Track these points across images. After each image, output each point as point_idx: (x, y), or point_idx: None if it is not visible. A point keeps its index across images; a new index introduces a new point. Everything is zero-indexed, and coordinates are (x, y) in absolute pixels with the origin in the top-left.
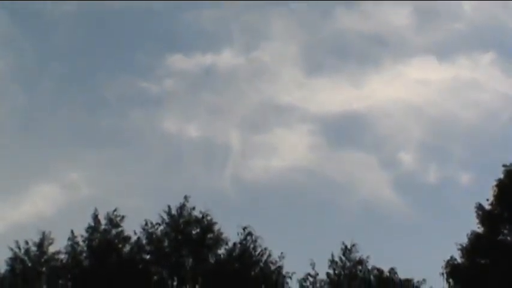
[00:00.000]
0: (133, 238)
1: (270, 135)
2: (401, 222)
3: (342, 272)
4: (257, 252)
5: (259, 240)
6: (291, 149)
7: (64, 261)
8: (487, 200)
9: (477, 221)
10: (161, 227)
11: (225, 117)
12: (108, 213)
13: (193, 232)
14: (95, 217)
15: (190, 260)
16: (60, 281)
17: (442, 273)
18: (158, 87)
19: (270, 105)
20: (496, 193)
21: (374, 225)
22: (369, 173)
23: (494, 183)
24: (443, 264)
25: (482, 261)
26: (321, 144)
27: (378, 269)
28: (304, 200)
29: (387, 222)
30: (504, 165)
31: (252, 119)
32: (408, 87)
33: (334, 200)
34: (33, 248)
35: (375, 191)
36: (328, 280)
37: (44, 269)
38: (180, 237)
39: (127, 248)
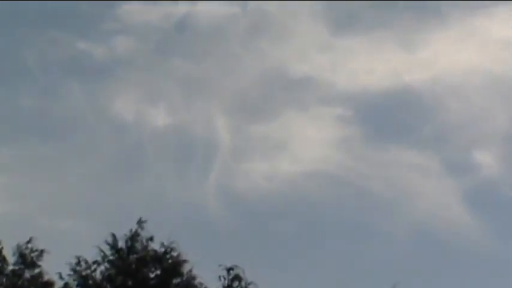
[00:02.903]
0: (59, 284)
1: (277, 125)
2: (477, 255)
3: None
4: None
5: None
6: (307, 145)
7: None
8: None
9: None
10: (101, 267)
11: (207, 97)
12: (19, 246)
13: (151, 275)
14: None
15: None
16: None
17: None
18: (105, 50)
19: (276, 78)
20: None
21: (433, 257)
22: (427, 182)
23: None
24: None
25: None
26: (354, 138)
27: None
28: (327, 222)
29: (455, 254)
30: None
31: (249, 99)
32: (488, 50)
33: (374, 221)
34: None
35: (437, 209)
36: None
37: None
38: (130, 282)
39: None
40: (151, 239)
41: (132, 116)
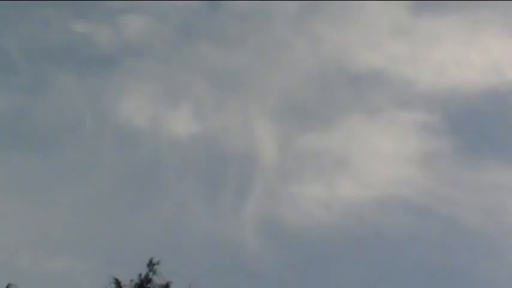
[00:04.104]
0: None
1: (337, 134)
2: None
3: None
4: None
5: None
6: (378, 162)
7: None
8: None
9: None
10: None
11: (245, 96)
12: None
13: None
14: None
15: None
16: None
17: None
18: (111, 34)
19: (337, 72)
20: None
21: None
22: None
23: None
24: None
25: None
26: (442, 153)
27: None
28: (406, 263)
29: None
30: None
31: (300, 100)
32: None
33: (467, 264)
34: None
35: None
36: None
37: None
38: None
39: None
40: (167, 286)
41: (146, 120)
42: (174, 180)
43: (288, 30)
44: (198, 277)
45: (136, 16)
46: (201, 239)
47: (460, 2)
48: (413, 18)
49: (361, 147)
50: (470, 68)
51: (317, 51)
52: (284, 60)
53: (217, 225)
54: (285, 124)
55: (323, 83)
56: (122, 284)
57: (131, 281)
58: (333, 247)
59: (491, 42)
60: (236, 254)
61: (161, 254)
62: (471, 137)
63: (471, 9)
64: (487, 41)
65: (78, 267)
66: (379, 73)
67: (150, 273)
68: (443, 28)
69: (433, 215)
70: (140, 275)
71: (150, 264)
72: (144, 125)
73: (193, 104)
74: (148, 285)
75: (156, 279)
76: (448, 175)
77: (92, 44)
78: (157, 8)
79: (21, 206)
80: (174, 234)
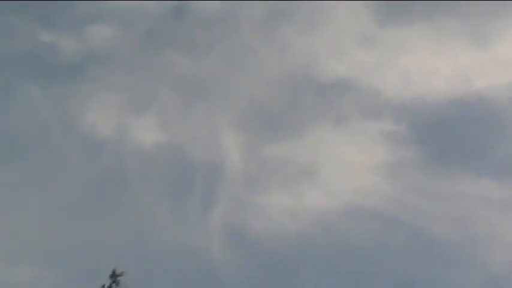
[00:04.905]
0: None
1: (303, 143)
2: None
3: None
4: None
5: None
6: (345, 172)
7: None
8: None
9: None
10: None
11: (211, 104)
12: None
13: None
14: None
15: None
16: None
17: None
18: (77, 42)
19: (303, 80)
20: None
21: None
22: (507, 221)
23: None
24: None
25: None
26: (408, 162)
27: None
28: (372, 274)
29: None
30: None
31: (266, 108)
32: None
33: (435, 275)
34: None
35: None
36: None
37: None
38: None
39: None
40: None
41: (111, 129)
42: (140, 189)
43: (255, 37)
44: (163, 287)
45: (101, 24)
46: (167, 248)
47: (427, 11)
48: (381, 28)
49: (328, 156)
50: (437, 77)
51: (284, 59)
52: (251, 68)
53: (182, 234)
54: (252, 132)
55: (290, 91)
56: None
57: None
58: (299, 256)
59: (458, 51)
60: (202, 264)
61: (126, 264)
62: (438, 146)
63: (438, 19)
64: (454, 50)
65: (41, 277)
66: (346, 82)
67: (113, 285)
68: (410, 37)
69: (400, 224)
70: (103, 286)
71: (114, 276)
72: (110, 134)
73: (159, 112)
74: None
75: None
76: (415, 184)
77: (57, 53)
78: (123, 15)
79: None
80: (139, 244)
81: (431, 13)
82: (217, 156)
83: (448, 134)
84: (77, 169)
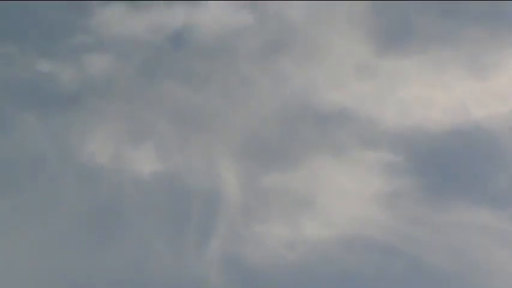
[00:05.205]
0: None
1: (301, 174)
2: None
3: None
4: None
5: None
6: (343, 202)
7: None
8: None
9: None
10: None
11: (209, 135)
12: None
13: None
14: None
15: None
16: None
17: None
18: (74, 72)
19: (301, 111)
20: None
21: None
22: (506, 252)
23: None
24: None
25: None
26: (406, 193)
27: None
28: None
29: None
30: None
31: (264, 138)
32: None
33: None
34: None
35: None
36: None
37: None
38: None
39: None
40: None
41: (108, 159)
42: (137, 219)
43: (253, 68)
44: None
45: (100, 55)
46: (164, 279)
47: (424, 42)
48: (378, 58)
49: (326, 187)
50: (434, 107)
51: (282, 90)
52: (248, 99)
53: (180, 264)
54: (249, 163)
55: (287, 121)
56: None
57: None
58: (296, 285)
59: (455, 81)
60: None
61: None
62: (436, 176)
63: (435, 50)
64: (451, 81)
65: None
66: (343, 112)
67: None
68: (408, 68)
69: (397, 254)
70: None
71: None
72: (107, 164)
73: (157, 142)
74: None
75: None
76: (413, 214)
77: (55, 83)
78: (121, 46)
79: None
80: (137, 274)
81: (427, 45)
82: (215, 186)
83: (446, 164)
84: (74, 199)
